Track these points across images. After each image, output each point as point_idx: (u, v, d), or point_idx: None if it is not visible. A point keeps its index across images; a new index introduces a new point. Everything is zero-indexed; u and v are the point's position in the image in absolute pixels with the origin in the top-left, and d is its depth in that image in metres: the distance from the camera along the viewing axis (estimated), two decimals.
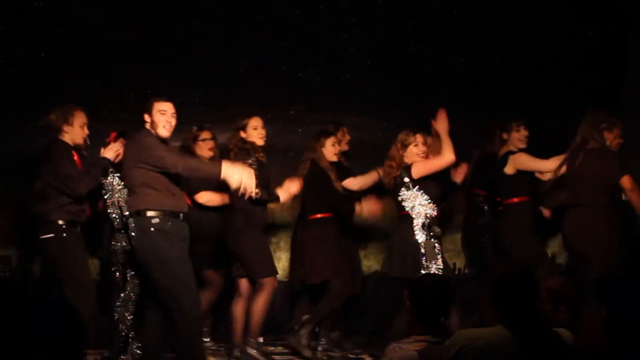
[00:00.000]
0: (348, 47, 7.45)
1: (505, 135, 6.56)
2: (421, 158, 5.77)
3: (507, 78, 7.51)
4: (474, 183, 6.84)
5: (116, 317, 5.17)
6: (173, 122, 5.34)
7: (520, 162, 6.42)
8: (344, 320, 6.86)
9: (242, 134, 6.11)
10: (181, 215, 5.17)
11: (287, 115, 7.29)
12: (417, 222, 5.56)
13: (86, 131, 5.67)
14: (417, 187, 5.65)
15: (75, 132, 5.62)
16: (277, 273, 6.12)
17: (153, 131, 5.26)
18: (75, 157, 5.53)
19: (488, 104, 7.44)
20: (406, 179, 5.68)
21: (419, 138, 5.80)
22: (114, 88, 6.78)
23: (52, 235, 5.42)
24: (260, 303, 5.98)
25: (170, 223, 5.06)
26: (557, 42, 7.63)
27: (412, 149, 5.80)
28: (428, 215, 5.57)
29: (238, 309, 6.05)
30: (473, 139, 6.93)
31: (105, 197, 5.20)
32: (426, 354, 3.39)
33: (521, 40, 7.55)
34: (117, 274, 5.17)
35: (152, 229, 5.02)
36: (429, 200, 5.63)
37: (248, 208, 5.88)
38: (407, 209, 5.63)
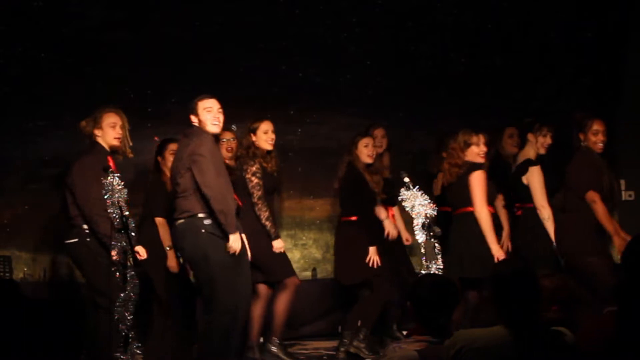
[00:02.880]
0: (348, 47, 7.45)
1: (530, 137, 6.40)
2: (481, 158, 5.78)
3: (507, 78, 7.52)
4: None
5: (116, 317, 5.16)
6: (221, 117, 5.43)
7: (530, 178, 6.29)
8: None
9: (253, 138, 6.12)
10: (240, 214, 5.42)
11: (287, 115, 7.30)
12: (417, 222, 5.55)
13: (119, 131, 5.56)
14: (417, 187, 5.65)
15: (106, 134, 5.55)
16: (295, 273, 6.16)
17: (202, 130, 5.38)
18: (111, 164, 5.48)
19: (488, 104, 7.44)
20: (406, 179, 5.68)
21: (482, 138, 5.79)
22: (114, 88, 6.78)
23: (76, 240, 5.44)
24: (283, 303, 6.07)
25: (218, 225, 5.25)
26: (557, 42, 7.64)
27: (473, 148, 5.80)
28: (428, 215, 5.56)
29: (256, 311, 6.06)
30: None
31: (105, 197, 5.18)
32: (426, 354, 3.38)
33: (521, 40, 7.56)
34: (117, 274, 5.16)
35: (203, 230, 5.24)
36: (429, 200, 5.63)
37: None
38: (407, 209, 5.62)
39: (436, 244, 5.52)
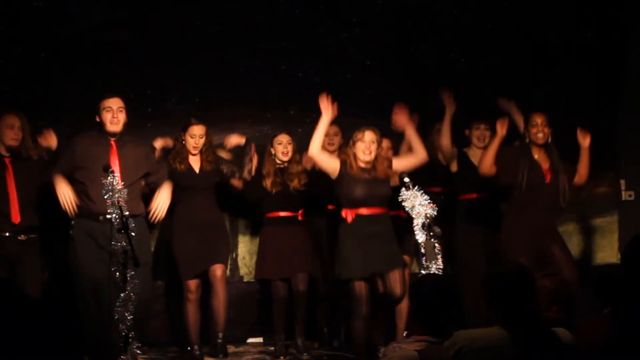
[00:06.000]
0: (348, 47, 7.44)
1: (467, 132, 6.87)
2: (364, 155, 5.81)
3: (507, 78, 7.51)
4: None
5: (116, 317, 5.16)
6: (121, 116, 5.68)
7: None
8: None
9: (182, 136, 6.29)
10: (100, 217, 5.55)
11: (287, 115, 7.29)
12: (417, 222, 5.56)
13: (17, 132, 5.86)
14: (417, 187, 5.65)
15: (4, 135, 5.84)
16: (189, 277, 6.20)
17: (103, 130, 5.68)
18: (7, 169, 5.78)
19: (488, 104, 7.43)
20: (406, 179, 5.68)
21: (367, 135, 5.84)
22: (114, 88, 6.77)
23: None
24: (212, 304, 6.24)
25: (79, 225, 5.55)
26: (557, 42, 7.63)
27: (358, 145, 5.85)
28: (428, 215, 5.56)
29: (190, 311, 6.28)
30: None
31: (105, 197, 5.19)
32: (426, 354, 3.39)
33: (521, 40, 7.55)
34: (117, 274, 5.16)
35: (71, 231, 5.61)
36: (429, 200, 5.63)
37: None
38: (407, 209, 5.62)
39: (436, 244, 5.52)
